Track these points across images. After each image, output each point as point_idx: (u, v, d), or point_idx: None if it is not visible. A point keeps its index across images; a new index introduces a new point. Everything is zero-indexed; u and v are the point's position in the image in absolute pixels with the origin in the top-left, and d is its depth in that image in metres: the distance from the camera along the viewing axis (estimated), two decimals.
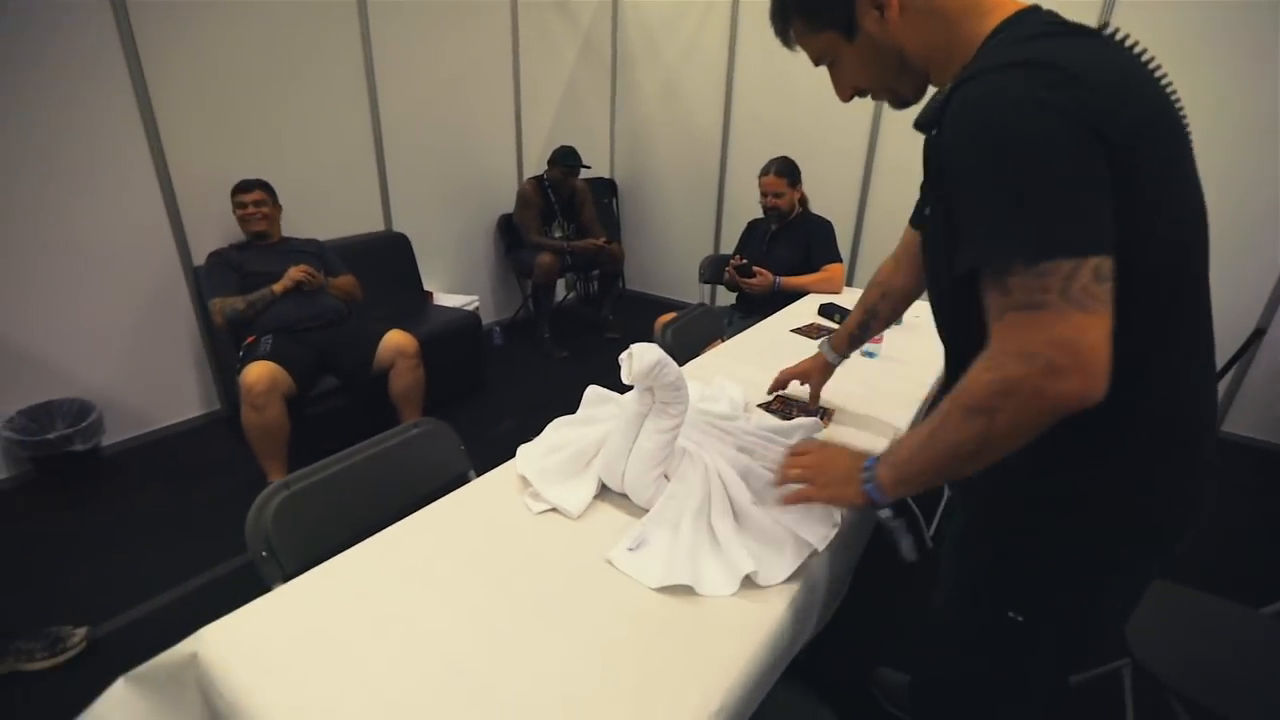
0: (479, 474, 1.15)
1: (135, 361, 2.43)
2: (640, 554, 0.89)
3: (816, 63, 0.80)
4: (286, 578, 0.92)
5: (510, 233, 3.74)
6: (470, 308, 3.25)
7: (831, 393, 1.39)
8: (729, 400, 1.30)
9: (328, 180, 2.90)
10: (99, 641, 1.57)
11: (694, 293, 4.13)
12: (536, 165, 3.77)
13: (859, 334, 1.26)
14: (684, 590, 0.83)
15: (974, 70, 0.62)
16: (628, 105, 4.29)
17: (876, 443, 1.24)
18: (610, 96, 4.30)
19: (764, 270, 2.41)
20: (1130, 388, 0.62)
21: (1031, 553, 0.77)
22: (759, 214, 2.63)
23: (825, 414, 1.33)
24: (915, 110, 0.77)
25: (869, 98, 0.82)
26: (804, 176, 2.52)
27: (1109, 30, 0.64)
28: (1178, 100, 0.64)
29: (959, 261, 0.62)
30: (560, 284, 4.01)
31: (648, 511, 0.96)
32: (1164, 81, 0.64)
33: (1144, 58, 0.64)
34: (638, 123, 4.29)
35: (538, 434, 1.18)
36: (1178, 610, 1.22)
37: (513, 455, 1.13)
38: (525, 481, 1.06)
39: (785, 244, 2.53)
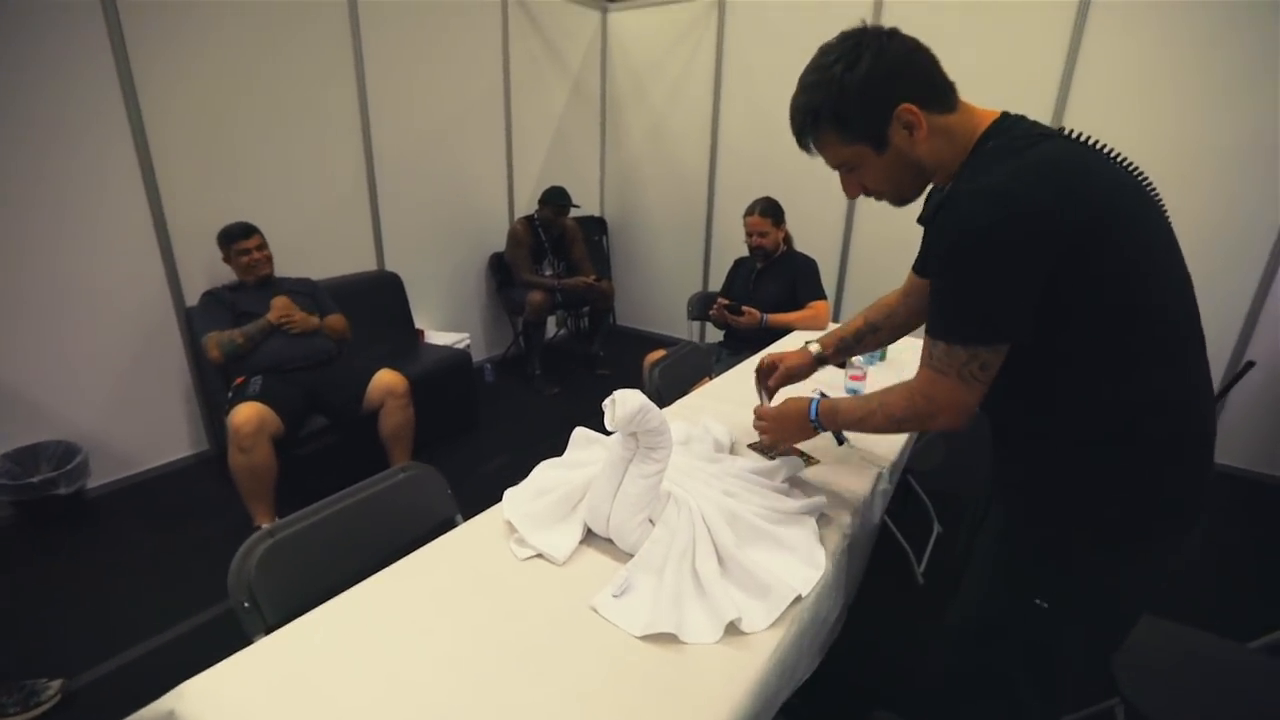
0: (467, 516, 1.16)
1: (124, 403, 2.42)
2: (625, 600, 0.89)
3: (835, 167, 0.90)
4: (269, 629, 0.91)
5: (501, 271, 3.79)
6: (461, 345, 3.27)
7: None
8: (714, 441, 1.31)
9: (321, 220, 2.94)
10: (75, 693, 1.54)
11: (683, 329, 4.17)
12: (527, 205, 3.84)
13: (852, 341, 1.32)
14: (668, 637, 0.83)
15: (967, 181, 0.79)
16: (616, 145, 4.40)
17: (859, 485, 1.25)
18: (599, 137, 4.42)
19: (751, 309, 2.45)
20: (1150, 396, 0.79)
21: (1064, 541, 0.86)
22: (745, 251, 2.69)
23: (808, 459, 1.34)
24: None
25: (873, 196, 0.93)
26: (788, 215, 2.59)
27: (1069, 132, 0.81)
28: (1138, 173, 0.82)
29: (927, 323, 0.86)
30: (551, 321, 4.05)
31: (633, 556, 0.97)
32: (1124, 163, 0.82)
33: (1104, 150, 0.81)
34: (626, 162, 4.39)
35: (527, 473, 1.19)
36: (1166, 646, 1.22)
37: (500, 496, 1.14)
38: (511, 527, 1.06)
39: (771, 281, 2.58)
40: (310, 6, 2.71)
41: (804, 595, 0.92)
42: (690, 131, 3.98)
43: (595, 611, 0.88)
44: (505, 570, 0.98)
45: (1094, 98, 2.79)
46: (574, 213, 3.64)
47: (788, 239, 2.63)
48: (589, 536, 1.05)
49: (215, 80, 2.47)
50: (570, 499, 1.08)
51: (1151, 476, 0.81)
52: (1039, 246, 0.73)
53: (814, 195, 3.15)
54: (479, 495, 1.20)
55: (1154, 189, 0.82)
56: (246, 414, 2.00)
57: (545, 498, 1.09)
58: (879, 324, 1.28)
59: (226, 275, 2.43)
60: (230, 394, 2.18)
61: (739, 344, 2.61)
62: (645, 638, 0.83)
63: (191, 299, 2.45)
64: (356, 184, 3.07)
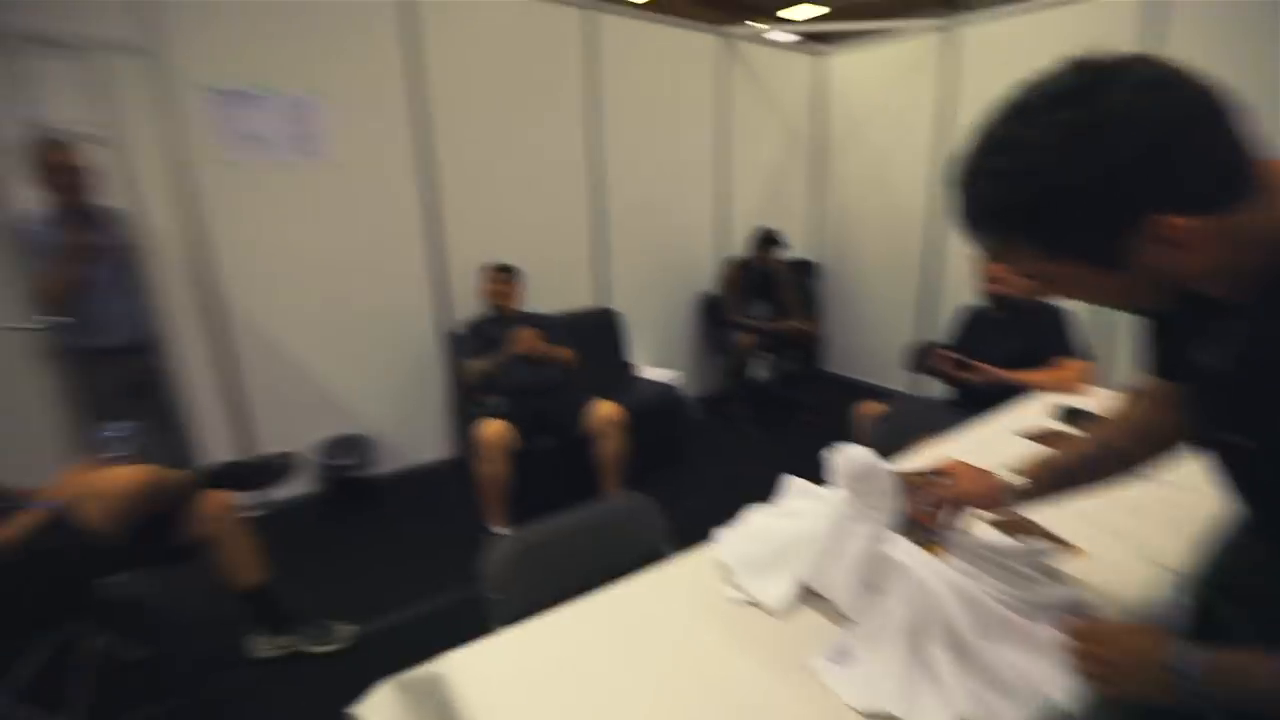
0: (672, 550, 1.21)
1: (402, 408, 2.97)
2: (844, 667, 0.86)
3: (1029, 278, 0.66)
4: (509, 621, 1.05)
5: (711, 310, 3.91)
6: (672, 381, 3.42)
7: (1080, 517, 1.21)
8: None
9: (556, 261, 3.34)
10: (362, 639, 1.89)
11: (897, 378, 3.89)
12: (738, 246, 3.94)
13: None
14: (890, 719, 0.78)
15: None
16: (830, 187, 4.33)
17: (1144, 593, 1.05)
18: (813, 180, 4.38)
19: (982, 364, 2.20)
20: None
21: None
22: (974, 298, 2.44)
23: (1066, 545, 1.16)
24: None
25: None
26: None
27: None
28: None
29: None
30: (758, 363, 4.06)
31: (850, 620, 0.93)
32: None
33: None
34: (840, 204, 4.29)
35: (729, 514, 1.20)
36: None
37: (703, 533, 1.17)
38: (724, 568, 1.08)
39: (1009, 333, 2.30)
40: (560, 83, 3.15)
41: (1064, 706, 0.79)
42: (913, 174, 3.77)
43: (809, 671, 0.86)
44: (718, 610, 1.00)
45: None
46: (785, 254, 3.64)
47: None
48: (805, 591, 1.03)
49: (485, 146, 2.97)
50: (786, 550, 1.07)
51: None
52: None
53: None
54: (682, 530, 1.25)
55: None
56: (493, 430, 2.32)
57: (760, 544, 1.09)
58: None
59: (483, 307, 2.89)
60: (475, 410, 2.54)
61: (966, 402, 2.36)
62: (865, 714, 0.79)
63: (455, 325, 2.93)
64: (586, 229, 3.43)
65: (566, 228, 3.37)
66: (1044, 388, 2.14)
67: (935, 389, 2.54)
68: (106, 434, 1.63)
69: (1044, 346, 2.20)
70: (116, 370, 2.39)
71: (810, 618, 0.98)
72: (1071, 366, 2.14)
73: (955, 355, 2.30)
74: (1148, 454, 0.91)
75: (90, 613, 1.70)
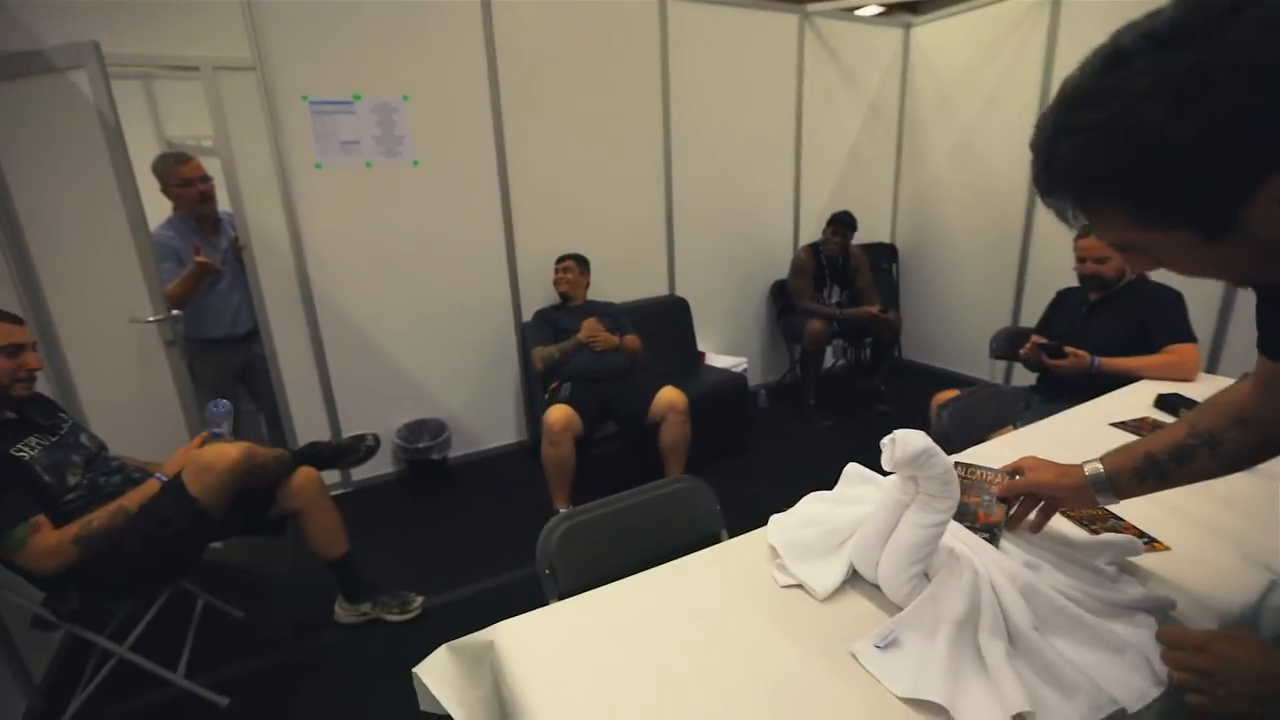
0: (729, 534, 1.20)
1: (476, 394, 3.11)
2: (889, 655, 0.83)
3: (1117, 249, 0.59)
4: (560, 596, 1.08)
5: (783, 298, 3.82)
6: (739, 369, 3.38)
7: (1161, 508, 1.10)
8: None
9: (625, 251, 3.37)
10: (429, 610, 2.01)
11: (984, 368, 3.66)
12: (813, 232, 3.82)
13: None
14: (935, 709, 0.74)
15: None
16: (914, 167, 4.10)
17: (1234, 589, 0.95)
18: (895, 159, 4.17)
19: (1077, 350, 2.04)
20: None
21: None
22: (1071, 281, 2.26)
23: (1151, 542, 1.06)
24: None
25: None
26: None
27: None
28: None
29: None
30: (830, 350, 3.94)
31: (900, 609, 0.89)
32: None
33: None
34: (925, 184, 4.06)
35: (792, 502, 1.18)
36: None
37: (762, 520, 1.15)
38: (774, 551, 1.07)
39: (1109, 317, 2.11)
40: (632, 72, 3.16)
41: (1130, 710, 0.73)
42: (1006, 146, 3.51)
43: (854, 658, 0.83)
44: (764, 593, 0.99)
45: None
46: (863, 239, 3.50)
47: None
48: (853, 577, 1.00)
49: (556, 139, 3.03)
50: (837, 535, 1.04)
51: None
52: None
53: None
54: (742, 516, 1.23)
55: None
56: (558, 414, 2.38)
57: (812, 529, 1.07)
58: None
59: (552, 297, 2.96)
60: (547, 396, 2.62)
61: (1056, 390, 2.19)
62: (909, 702, 0.76)
63: (527, 315, 3.03)
64: (657, 218, 3.44)
65: (638, 217, 3.39)
66: (1147, 375, 1.95)
67: (1026, 378, 2.37)
68: (215, 414, 1.81)
69: (1149, 331, 2.01)
70: (226, 357, 2.66)
71: (858, 604, 0.95)
72: (1179, 351, 1.94)
73: (1047, 341, 2.13)
74: (1251, 444, 0.81)
75: (195, 574, 1.90)
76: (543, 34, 2.90)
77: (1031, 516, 1.00)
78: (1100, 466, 0.91)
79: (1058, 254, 2.90)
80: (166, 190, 2.43)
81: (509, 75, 2.85)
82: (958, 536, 0.96)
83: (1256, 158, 0.44)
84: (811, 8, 3.59)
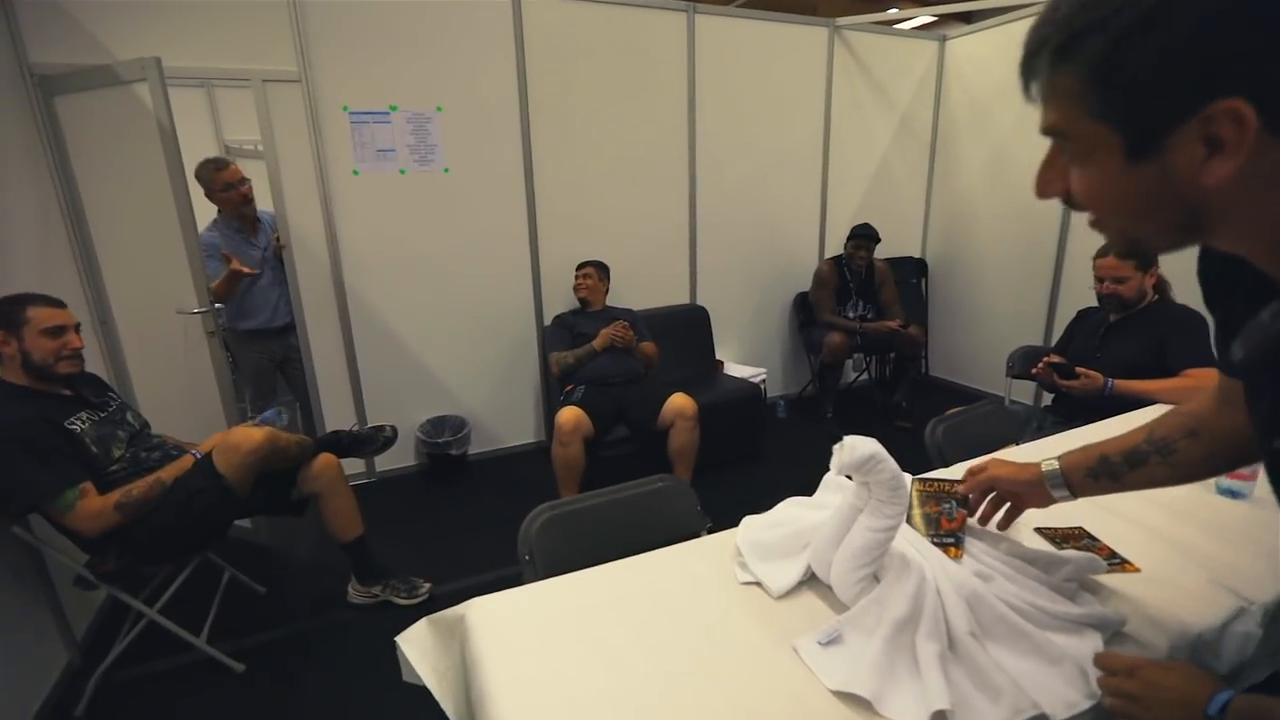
0: (707, 533, 1.24)
1: (496, 394, 3.21)
2: (829, 651, 0.86)
3: (1046, 132, 0.54)
4: (538, 579, 1.14)
5: (805, 310, 3.82)
6: (757, 379, 3.40)
7: (1141, 530, 1.10)
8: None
9: (648, 259, 3.43)
10: (435, 596, 2.10)
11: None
12: (839, 245, 3.82)
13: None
14: (863, 704, 0.78)
15: None
16: (946, 181, 4.06)
17: (1198, 613, 0.94)
18: (927, 174, 4.13)
19: (1090, 371, 2.00)
20: None
21: None
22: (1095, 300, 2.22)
23: (1122, 563, 1.06)
24: None
25: (1082, 214, 0.56)
26: (1170, 258, 2.04)
27: None
28: None
29: None
30: (851, 364, 3.91)
31: (846, 607, 0.92)
32: None
33: None
34: (957, 199, 4.01)
35: None
36: None
37: None
38: (739, 549, 1.11)
39: (1128, 338, 2.07)
40: (658, 84, 3.23)
41: (1056, 719, 0.75)
42: (1039, 159, 3.43)
43: (795, 652, 0.87)
44: (722, 589, 1.03)
45: None
46: (892, 253, 3.48)
47: (1160, 287, 2.09)
48: (812, 579, 1.03)
49: (581, 149, 3.13)
50: (801, 537, 1.08)
51: None
52: None
53: None
54: None
55: None
56: (569, 415, 2.46)
57: (777, 530, 1.11)
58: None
59: (573, 302, 3.04)
60: (561, 398, 2.70)
61: (1071, 411, 2.16)
62: (838, 695, 0.79)
63: (548, 319, 3.12)
64: (680, 227, 3.49)
65: (662, 226, 3.45)
66: (1163, 399, 1.91)
67: (1048, 398, 2.33)
68: (265, 419, 1.96)
69: (1168, 354, 1.96)
70: (266, 348, 2.84)
71: (811, 603, 0.99)
72: (1197, 376, 1.89)
73: (1061, 361, 2.10)
74: (1200, 456, 0.82)
75: (223, 549, 2.04)
76: (572, 47, 3.00)
77: (998, 515, 1.03)
78: (1056, 464, 0.94)
79: (1088, 273, 2.83)
80: (210, 195, 2.62)
81: (538, 87, 2.96)
82: (911, 544, 0.98)
83: (1203, 71, 0.42)
84: (841, 21, 3.60)
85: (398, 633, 1.00)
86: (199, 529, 1.70)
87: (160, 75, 2.05)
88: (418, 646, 1.04)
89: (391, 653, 1.06)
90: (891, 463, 0.91)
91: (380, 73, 2.71)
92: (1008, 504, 1.02)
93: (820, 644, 0.87)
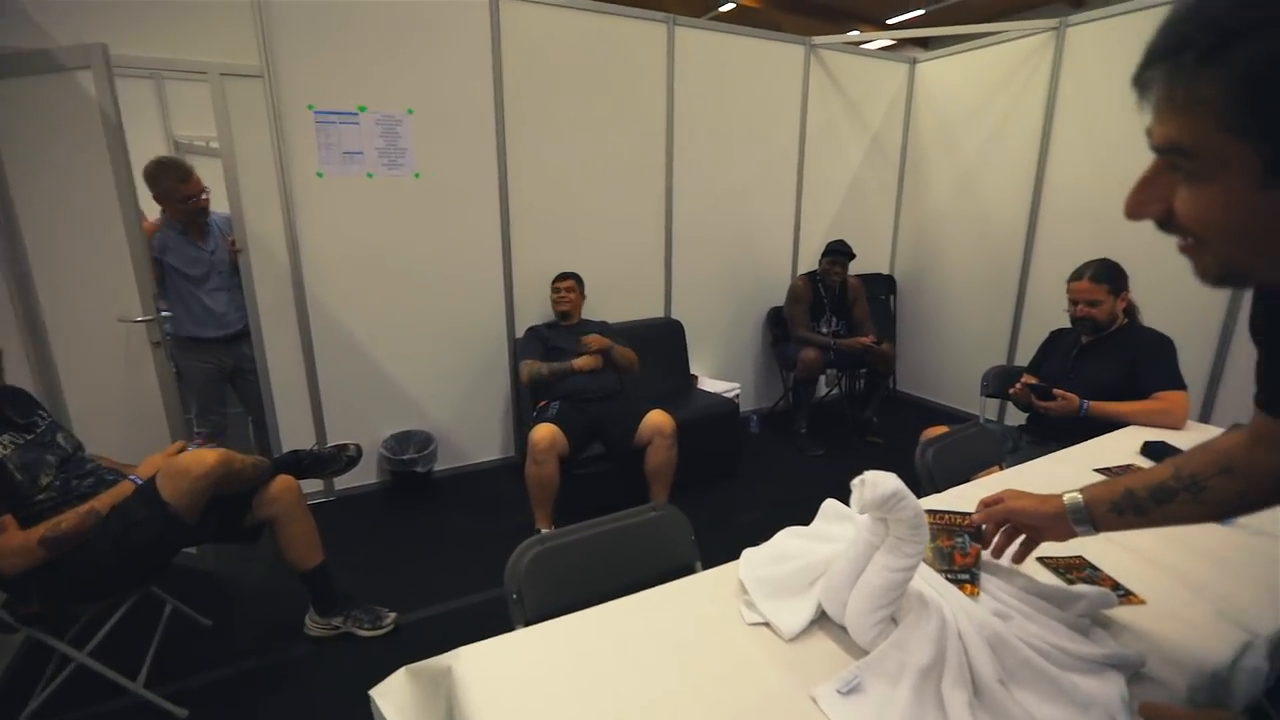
0: (707, 563, 1.18)
1: (464, 408, 3.09)
2: (851, 700, 0.81)
3: (1159, 150, 0.48)
4: (527, 622, 1.06)
5: (779, 325, 3.83)
6: (731, 394, 3.37)
7: (1139, 559, 1.09)
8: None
9: (623, 272, 3.37)
10: (401, 626, 1.97)
11: (976, 404, 3.63)
12: (813, 261, 3.84)
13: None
14: None
15: None
16: (915, 200, 4.14)
17: (1208, 647, 0.93)
18: (896, 192, 4.21)
19: (1066, 393, 2.03)
20: None
21: None
22: (1066, 321, 2.26)
23: (1127, 595, 1.05)
24: None
25: (1175, 238, 0.52)
26: (1139, 283, 2.10)
27: None
28: None
29: None
30: (823, 380, 3.93)
31: (866, 653, 0.87)
32: None
33: None
34: (926, 218, 4.09)
35: (776, 533, 1.16)
36: None
37: (744, 549, 1.13)
38: (743, 587, 1.05)
39: (1100, 361, 2.11)
40: (636, 96, 3.19)
41: None
42: (1008, 184, 3.54)
43: (814, 702, 0.81)
44: (730, 630, 0.97)
45: None
46: (863, 270, 3.51)
47: (1130, 311, 2.14)
48: (821, 618, 0.98)
49: (558, 158, 3.06)
50: (808, 573, 1.02)
51: None
52: None
53: (1178, 262, 2.47)
54: (725, 545, 1.21)
55: None
56: (543, 433, 2.36)
57: (783, 566, 1.05)
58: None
59: (547, 314, 2.96)
60: (535, 413, 2.61)
61: (1045, 432, 2.18)
62: None
63: (520, 331, 3.02)
64: (656, 241, 3.45)
65: (637, 239, 3.40)
66: (1135, 421, 1.95)
67: (1018, 417, 2.36)
68: (197, 417, 1.80)
69: (1140, 376, 2.01)
70: (214, 357, 2.66)
71: (824, 646, 0.93)
72: (1168, 399, 1.94)
73: (1037, 382, 2.13)
74: (1234, 493, 0.81)
75: (165, 579, 1.87)
76: (550, 54, 2.94)
77: (1013, 548, 0.99)
78: (1080, 497, 0.90)
79: (1055, 293, 2.89)
80: (162, 200, 2.45)
81: (514, 93, 2.88)
82: (928, 581, 0.94)
83: None
84: (817, 40, 3.65)
85: (360, 668, 0.91)
86: (140, 563, 1.54)
87: (106, 63, 1.90)
88: (395, 701, 0.94)
89: (356, 691, 0.96)
90: (913, 500, 0.87)
91: (349, 71, 2.59)
92: (1023, 536, 0.99)
93: (840, 693, 0.82)
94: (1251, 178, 0.42)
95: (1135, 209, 0.51)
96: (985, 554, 1.04)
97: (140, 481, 1.57)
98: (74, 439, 1.71)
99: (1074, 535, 0.92)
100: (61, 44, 2.02)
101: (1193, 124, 0.43)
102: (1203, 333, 2.75)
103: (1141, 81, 0.46)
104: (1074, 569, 1.13)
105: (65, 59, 1.93)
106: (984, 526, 1.02)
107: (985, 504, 1.02)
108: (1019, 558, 1.00)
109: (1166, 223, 0.50)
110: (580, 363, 2.60)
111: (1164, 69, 0.44)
